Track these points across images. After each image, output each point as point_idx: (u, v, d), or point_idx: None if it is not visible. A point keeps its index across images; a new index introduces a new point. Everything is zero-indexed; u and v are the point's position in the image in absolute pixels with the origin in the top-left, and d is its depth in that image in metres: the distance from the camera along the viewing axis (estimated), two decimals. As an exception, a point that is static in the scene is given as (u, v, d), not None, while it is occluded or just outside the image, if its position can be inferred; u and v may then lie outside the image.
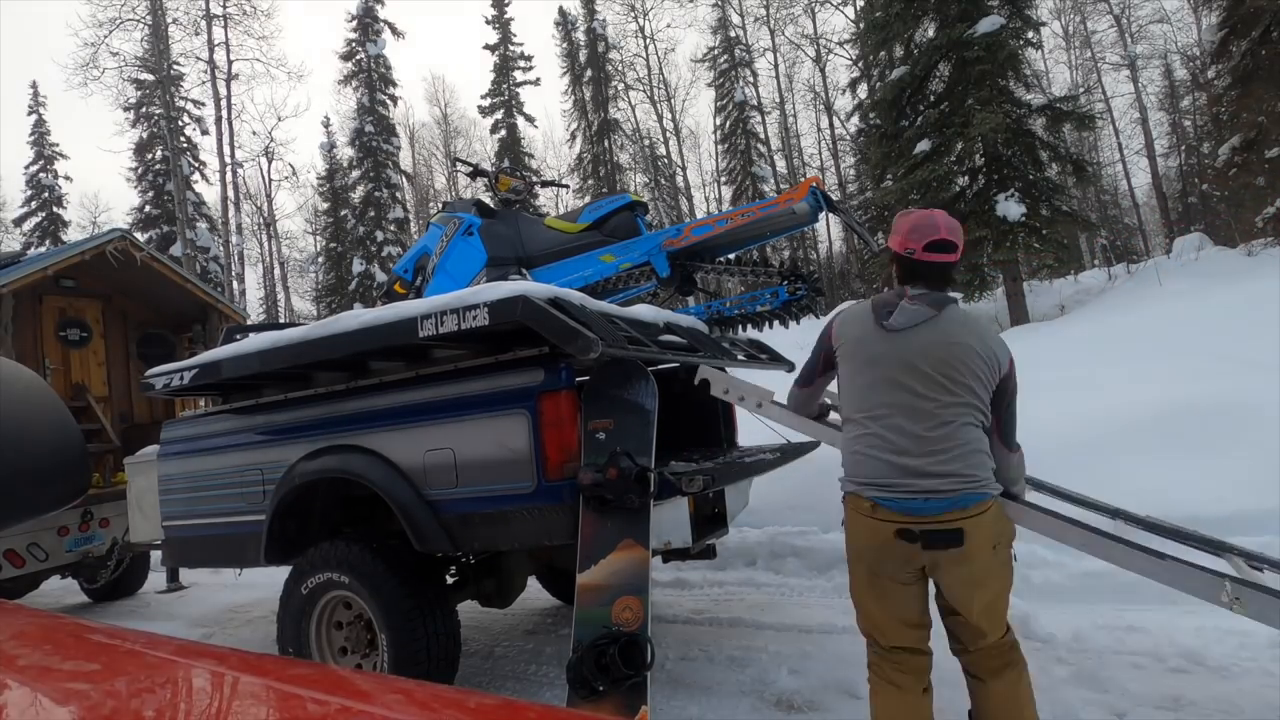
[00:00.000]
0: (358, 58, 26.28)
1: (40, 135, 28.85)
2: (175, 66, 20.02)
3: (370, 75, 26.14)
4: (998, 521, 1.90)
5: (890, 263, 2.06)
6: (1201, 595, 1.95)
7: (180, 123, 22.38)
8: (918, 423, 1.84)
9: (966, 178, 12.86)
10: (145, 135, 25.03)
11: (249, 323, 11.77)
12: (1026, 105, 12.40)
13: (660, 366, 3.29)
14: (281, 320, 24.93)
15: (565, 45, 30.28)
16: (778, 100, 29.73)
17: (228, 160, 20.19)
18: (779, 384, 2.66)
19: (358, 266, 24.74)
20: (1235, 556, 2.42)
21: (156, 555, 5.43)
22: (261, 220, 29.15)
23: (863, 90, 22.86)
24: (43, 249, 19.10)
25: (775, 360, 3.74)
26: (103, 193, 50.52)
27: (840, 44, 26.53)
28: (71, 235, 27.70)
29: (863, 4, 21.31)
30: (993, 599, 1.91)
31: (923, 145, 12.55)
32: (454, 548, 2.67)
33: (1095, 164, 25.43)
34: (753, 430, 3.67)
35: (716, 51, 29.10)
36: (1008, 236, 11.76)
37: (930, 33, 13.13)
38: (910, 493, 1.82)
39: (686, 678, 3.02)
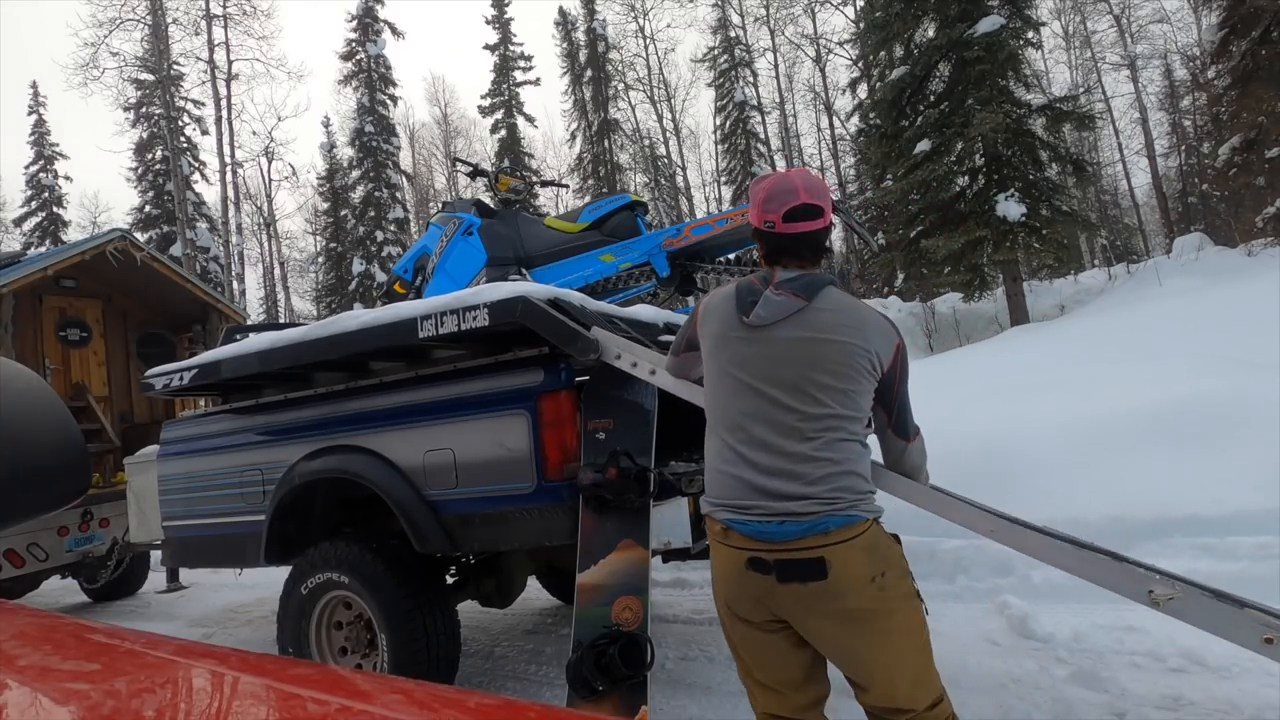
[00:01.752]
0: (358, 58, 26.30)
1: (40, 135, 28.86)
2: (175, 66, 20.02)
3: (370, 75, 26.16)
4: (876, 549, 1.53)
5: (756, 240, 1.77)
6: (1123, 592, 1.70)
7: (180, 123, 22.39)
8: (779, 437, 1.54)
9: (966, 178, 12.87)
10: (145, 135, 25.05)
11: (249, 323, 11.78)
12: (1026, 105, 12.41)
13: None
14: (281, 320, 24.94)
15: (565, 45, 30.30)
16: (778, 100, 29.77)
17: (228, 160, 20.18)
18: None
19: (358, 266, 24.76)
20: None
21: (156, 555, 5.43)
22: (261, 220, 29.17)
23: (863, 90, 22.89)
24: (43, 249, 19.11)
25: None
26: (103, 193, 50.55)
27: (840, 44, 26.56)
28: (71, 235, 27.72)
29: (863, 4, 21.32)
30: (895, 650, 1.52)
31: (923, 145, 12.57)
32: (454, 548, 2.67)
33: (1095, 164, 25.46)
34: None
35: (716, 51, 29.11)
36: (1008, 236, 11.77)
37: (930, 33, 13.15)
38: (764, 515, 1.52)
39: (686, 678, 3.02)
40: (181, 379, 3.22)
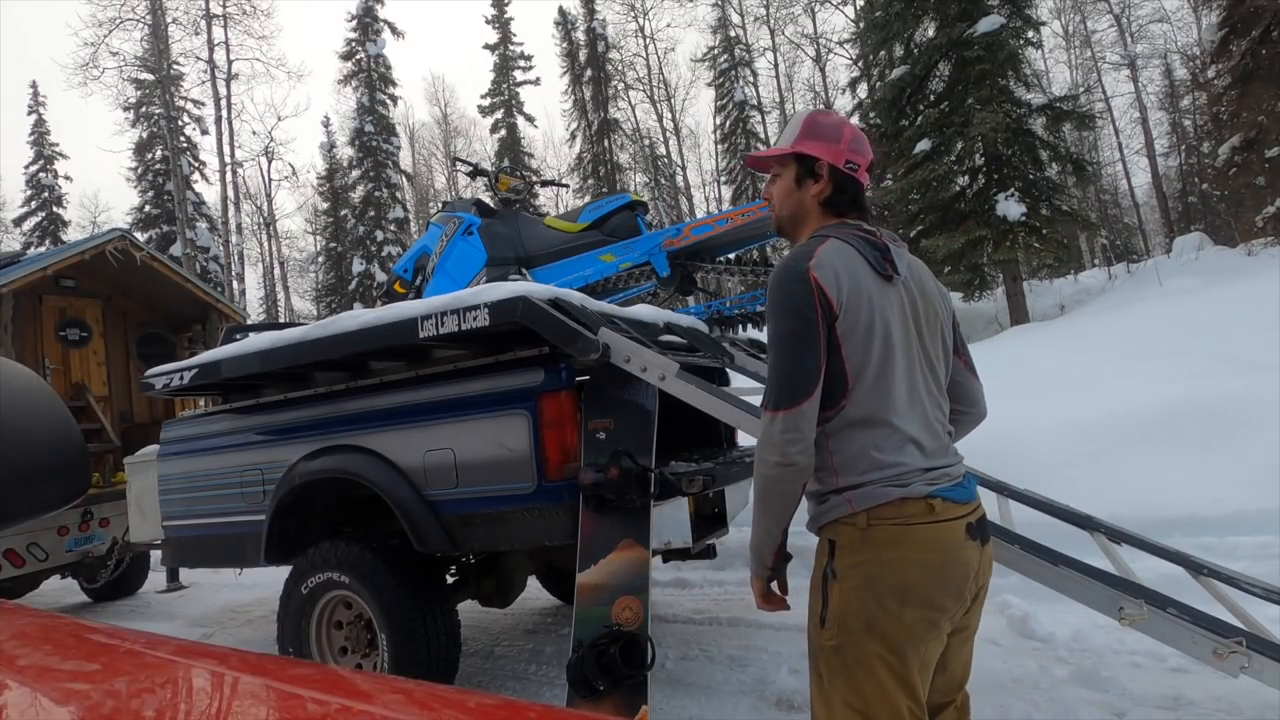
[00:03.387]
0: (358, 57, 26.30)
1: (40, 135, 28.85)
2: (175, 66, 20.02)
3: (370, 75, 26.15)
4: None
5: (815, 182, 1.43)
6: (1097, 607, 1.91)
7: (180, 123, 22.39)
8: (938, 394, 1.41)
9: (966, 177, 12.87)
10: (145, 135, 25.04)
11: (249, 323, 11.78)
12: (1026, 105, 12.40)
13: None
14: (281, 320, 24.94)
15: (565, 45, 30.28)
16: (778, 100, 29.74)
17: (228, 160, 20.20)
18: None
19: (358, 266, 24.76)
20: (1100, 533, 2.51)
21: (156, 555, 5.43)
22: (261, 220, 29.17)
23: (863, 90, 22.87)
24: (43, 249, 19.10)
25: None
26: (103, 193, 50.54)
27: (840, 44, 26.55)
28: (71, 235, 27.72)
29: (863, 4, 21.31)
30: None
31: (923, 145, 12.56)
32: (454, 548, 2.67)
33: (1095, 164, 25.44)
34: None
35: (716, 51, 29.11)
36: (1008, 236, 11.76)
37: (930, 32, 13.15)
38: (959, 476, 1.36)
39: (686, 677, 3.02)
40: (181, 379, 3.21)
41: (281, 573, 3.02)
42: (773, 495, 1.35)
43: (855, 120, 23.85)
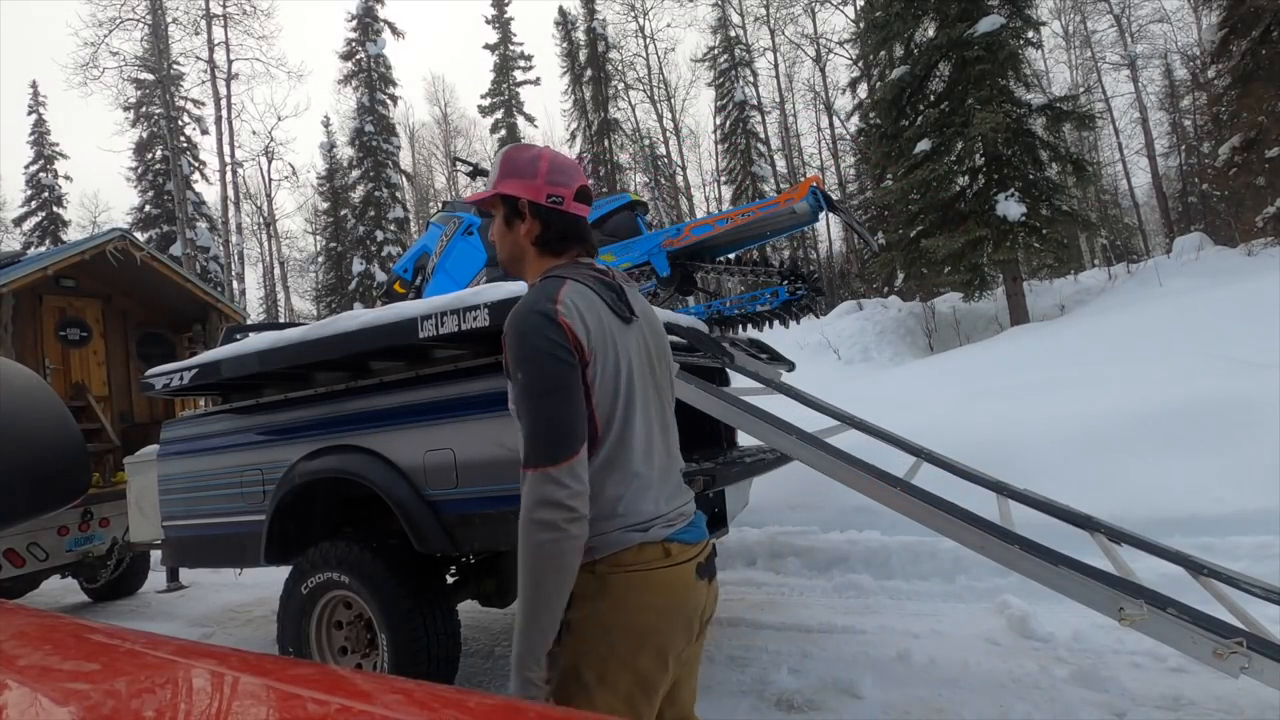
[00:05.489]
0: (358, 57, 26.33)
1: (40, 135, 28.87)
2: (175, 66, 20.04)
3: (370, 75, 26.18)
4: None
5: (522, 221, 1.37)
6: (1096, 607, 1.94)
7: (180, 122, 22.40)
8: (668, 433, 1.41)
9: (966, 177, 12.88)
10: (145, 135, 25.07)
11: (249, 322, 11.78)
12: (1026, 105, 12.41)
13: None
14: (281, 320, 24.94)
15: (565, 45, 30.31)
16: (778, 100, 29.76)
17: (228, 160, 20.21)
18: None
19: (358, 266, 24.78)
20: (1099, 533, 2.52)
21: (156, 555, 5.43)
22: (261, 220, 29.18)
23: (863, 90, 22.90)
24: (43, 249, 19.10)
25: (775, 360, 3.73)
26: (103, 193, 50.64)
27: (840, 44, 26.54)
28: (71, 235, 27.73)
29: (863, 4, 21.31)
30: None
31: (923, 145, 12.57)
32: (454, 548, 2.67)
33: (1095, 164, 25.43)
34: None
35: (716, 51, 29.11)
36: (1008, 236, 11.77)
37: (930, 32, 13.16)
38: (688, 516, 1.37)
39: (686, 677, 3.02)
40: (181, 379, 3.21)
41: (281, 573, 3.02)
42: (555, 563, 1.18)
43: (855, 120, 23.88)
